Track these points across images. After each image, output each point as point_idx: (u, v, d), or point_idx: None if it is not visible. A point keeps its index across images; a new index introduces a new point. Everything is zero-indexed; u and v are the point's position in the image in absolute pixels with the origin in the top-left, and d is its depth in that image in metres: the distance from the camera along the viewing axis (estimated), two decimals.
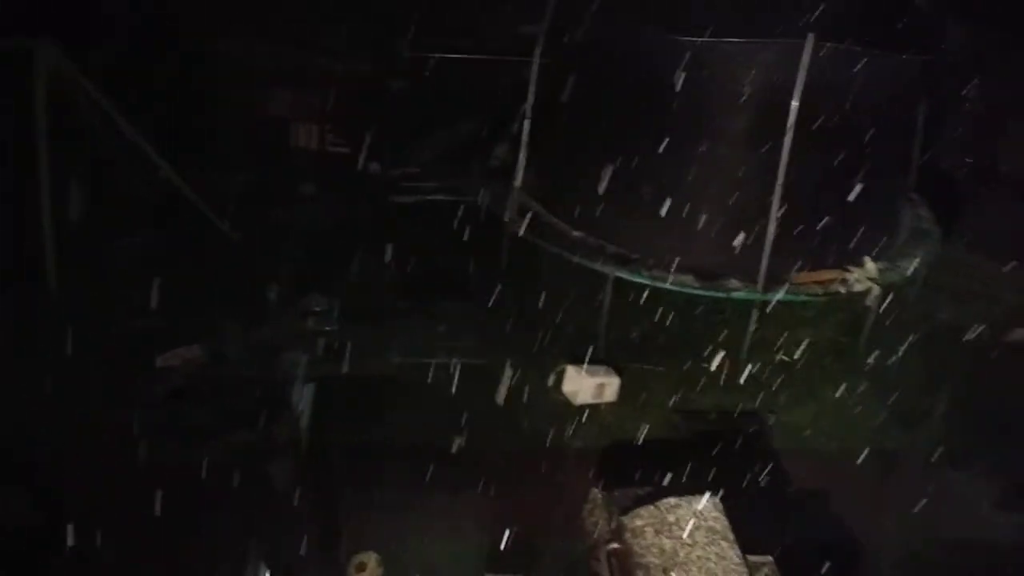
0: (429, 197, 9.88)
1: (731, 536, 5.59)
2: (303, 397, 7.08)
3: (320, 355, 7.73)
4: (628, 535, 5.69)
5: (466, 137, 10.25)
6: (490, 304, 8.30)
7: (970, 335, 8.60)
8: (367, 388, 7.42)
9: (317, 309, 7.95)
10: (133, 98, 8.50)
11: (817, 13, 8.11)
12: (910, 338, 8.56)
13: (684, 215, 8.15)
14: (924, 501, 6.91)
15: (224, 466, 6.12)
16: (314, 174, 10.11)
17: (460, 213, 8.79)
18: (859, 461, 7.17)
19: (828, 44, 7.46)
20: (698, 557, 5.41)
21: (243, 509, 6.02)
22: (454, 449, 6.70)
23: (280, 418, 6.81)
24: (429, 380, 7.60)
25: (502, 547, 6.24)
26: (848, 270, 8.37)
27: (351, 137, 10.31)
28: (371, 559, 6.19)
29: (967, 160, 10.90)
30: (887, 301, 8.38)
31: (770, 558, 5.69)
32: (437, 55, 10.38)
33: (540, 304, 8.20)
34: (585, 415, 7.69)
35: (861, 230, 8.48)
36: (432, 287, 8.46)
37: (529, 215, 8.80)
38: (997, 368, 8.31)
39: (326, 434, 6.95)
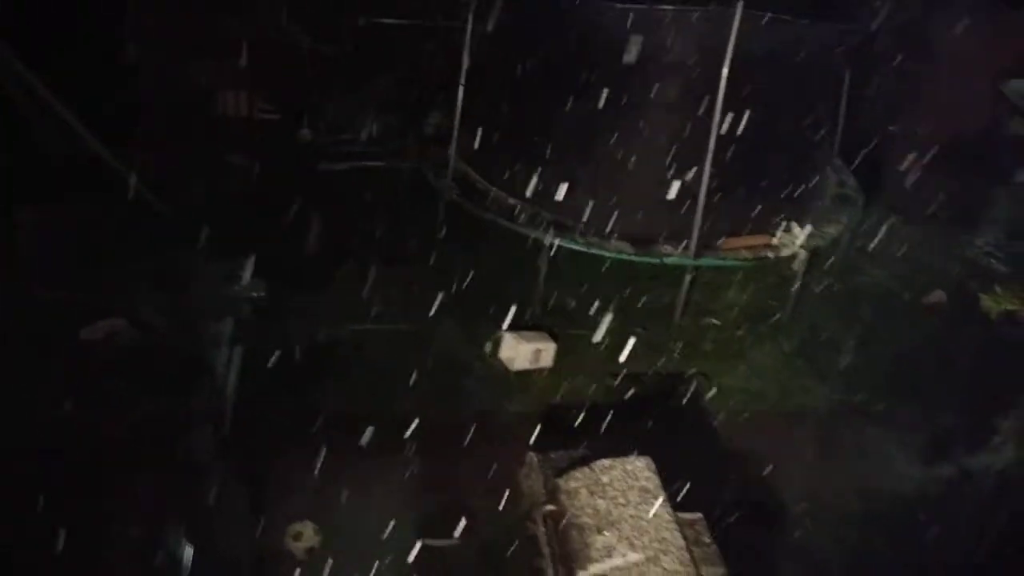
0: (362, 164, 9.73)
1: (663, 495, 5.72)
2: (229, 363, 6.93)
3: (247, 320, 7.56)
4: (563, 496, 5.78)
5: (396, 101, 10.09)
6: (425, 271, 8.26)
7: (891, 297, 8.93)
8: (297, 355, 7.28)
9: (244, 274, 7.76)
10: (56, 69, 8.16)
11: None
12: (835, 300, 8.85)
13: (617, 182, 8.24)
14: (846, 457, 7.20)
15: (144, 435, 6.00)
16: (243, 143, 9.86)
17: (394, 180, 8.69)
18: (786, 420, 7.41)
19: (757, 12, 7.55)
20: (631, 516, 5.53)
21: (165, 478, 5.91)
22: (389, 416, 6.68)
23: (202, 384, 6.65)
24: (362, 347, 7.55)
25: (438, 512, 6.29)
26: (776, 235, 8.56)
27: (281, 105, 10.08)
28: (307, 528, 6.18)
29: (889, 127, 11.18)
30: (813, 265, 8.60)
31: (700, 515, 5.85)
32: (369, 20, 10.18)
33: (476, 271, 8.19)
34: (521, 381, 7.75)
35: (788, 196, 8.68)
36: (366, 254, 8.33)
37: (464, 182, 8.75)
38: (916, 329, 8.64)
39: (255, 401, 6.82)
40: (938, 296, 9.02)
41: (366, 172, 9.71)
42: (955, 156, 10.45)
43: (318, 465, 6.40)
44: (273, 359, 7.13)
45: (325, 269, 8.24)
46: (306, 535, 6.13)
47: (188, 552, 5.46)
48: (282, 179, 9.28)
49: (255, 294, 7.62)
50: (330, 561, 6.02)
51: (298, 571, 5.95)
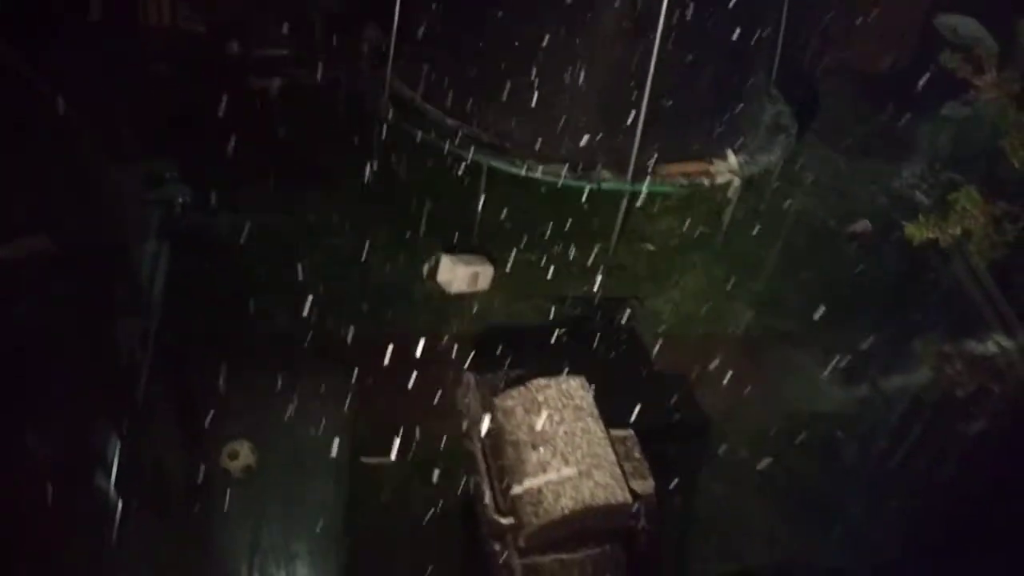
0: (294, 79, 9.38)
1: (596, 413, 5.87)
2: (155, 266, 6.70)
3: (173, 227, 7.31)
4: (500, 415, 5.88)
5: (330, 15, 9.69)
6: (360, 190, 8.11)
7: (819, 226, 9.18)
8: (227, 268, 7.13)
9: (168, 178, 7.44)
10: None
11: None
12: (765, 228, 9.05)
13: (556, 107, 8.15)
14: (771, 377, 7.47)
15: (68, 329, 5.82)
16: (168, 53, 9.39)
17: (327, 97, 8.44)
18: (715, 342, 7.63)
19: None
20: (565, 433, 5.67)
21: (91, 375, 5.80)
22: (324, 335, 6.65)
23: (125, 279, 6.40)
24: (295, 263, 7.40)
25: (375, 431, 6.33)
26: (711, 162, 8.64)
27: (207, 16, 9.59)
28: (243, 447, 6.17)
29: (824, 59, 11.32)
30: (746, 193, 8.75)
31: (631, 432, 6.02)
32: None
33: (412, 192, 8.09)
34: (459, 303, 7.77)
35: (724, 124, 8.74)
36: (298, 171, 8.10)
37: (400, 101, 8.54)
38: (842, 256, 8.93)
39: (184, 315, 6.70)
40: (863, 225, 9.30)
41: (298, 88, 9.38)
42: (887, 88, 10.68)
43: (253, 383, 6.36)
44: (202, 270, 6.95)
45: (256, 184, 7.94)
46: (242, 454, 6.13)
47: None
48: (209, 92, 8.88)
49: (180, 199, 7.34)
50: (266, 478, 6.06)
51: (233, 490, 5.96)
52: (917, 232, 7.40)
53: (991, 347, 6.87)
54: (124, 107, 7.96)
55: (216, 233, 7.22)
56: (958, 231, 7.19)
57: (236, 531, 5.77)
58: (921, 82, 9.81)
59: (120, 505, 5.43)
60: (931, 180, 8.99)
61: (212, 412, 6.12)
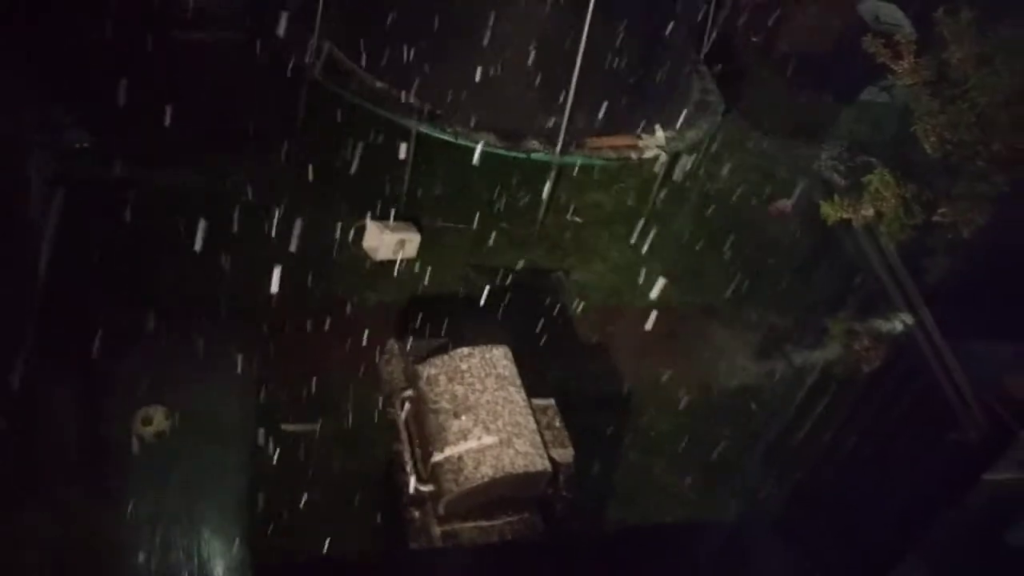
0: (219, 35, 9.06)
1: (519, 382, 5.92)
2: (46, 214, 6.33)
3: (69, 176, 6.87)
4: (422, 383, 5.88)
5: None
6: (285, 151, 7.92)
7: (741, 203, 9.39)
8: (133, 226, 6.80)
9: (65, 120, 6.99)
10: None
11: None
12: (690, 204, 9.22)
13: (488, 74, 8.09)
14: (690, 351, 7.66)
15: None
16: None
17: (252, 54, 8.17)
18: (638, 315, 7.75)
19: None
20: (487, 401, 5.71)
21: None
22: (245, 299, 6.52)
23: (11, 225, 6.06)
24: (215, 222, 7.15)
25: (297, 398, 6.26)
26: (640, 137, 8.73)
27: None
28: (158, 412, 6.03)
29: (753, 39, 11.51)
30: (672, 168, 8.88)
31: (552, 401, 6.11)
32: None
33: (339, 156, 7.94)
34: (384, 270, 7.71)
35: (653, 100, 8.84)
36: (219, 128, 7.83)
37: (329, 61, 8.35)
38: (762, 233, 9.16)
39: (85, 276, 6.40)
40: (783, 204, 9.56)
41: (223, 44, 9.06)
42: (810, 71, 10.93)
43: (166, 347, 6.19)
44: (105, 224, 6.65)
45: (170, 138, 7.45)
46: (156, 420, 5.99)
47: None
48: (129, 41, 8.49)
49: (77, 144, 6.93)
50: (181, 445, 5.94)
51: (146, 456, 5.83)
52: (832, 212, 7.64)
53: (896, 325, 7.17)
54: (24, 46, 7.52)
55: (121, 186, 6.84)
56: (871, 212, 7.44)
57: (147, 496, 5.64)
58: (844, 66, 10.09)
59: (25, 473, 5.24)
60: (848, 162, 9.26)
61: (121, 376, 5.95)
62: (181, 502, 5.71)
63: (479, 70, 8.06)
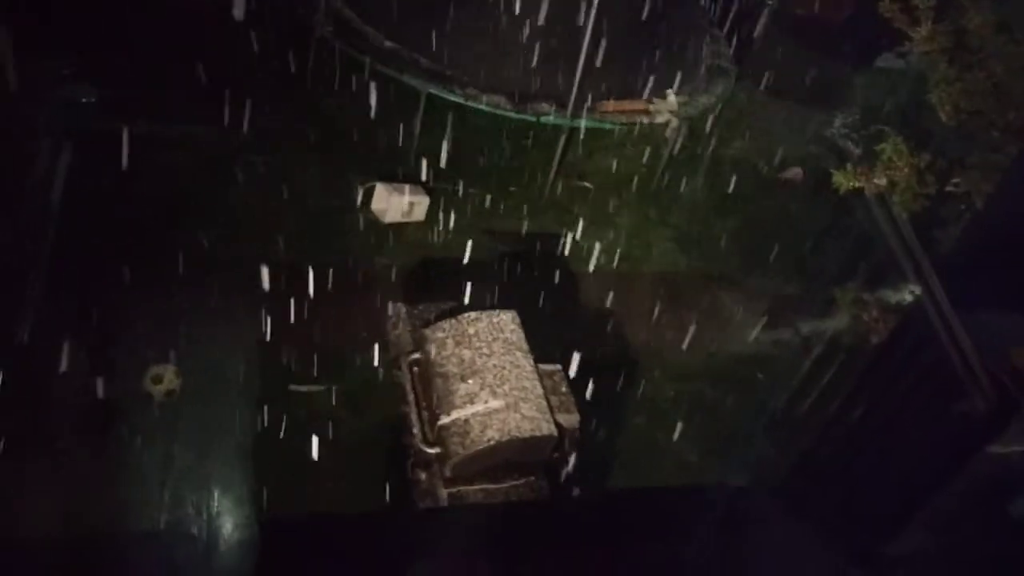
0: None
1: (526, 347, 5.94)
2: (52, 177, 6.29)
3: (77, 130, 6.79)
4: (430, 346, 5.90)
5: None
6: (293, 110, 7.85)
7: (752, 170, 9.31)
8: (143, 180, 6.76)
9: (67, 73, 6.87)
10: None
11: None
12: (700, 170, 9.15)
13: (499, 36, 8.00)
14: (697, 318, 7.65)
15: None
16: None
17: (260, 9, 8.06)
18: (646, 282, 7.76)
19: None
20: (494, 366, 5.73)
21: None
22: (253, 258, 6.49)
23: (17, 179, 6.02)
24: (223, 181, 7.14)
25: (304, 359, 6.29)
26: (651, 101, 8.63)
27: None
28: (168, 371, 6.06)
29: (767, 2, 11.31)
30: (683, 133, 8.80)
31: (559, 367, 6.12)
32: None
33: (348, 116, 7.89)
34: (393, 233, 7.69)
35: (666, 63, 8.72)
36: (227, 85, 7.75)
37: (339, 19, 8.25)
38: (773, 201, 9.10)
39: (92, 232, 6.35)
40: (795, 172, 9.47)
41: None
42: (825, 35, 10.76)
43: (175, 306, 6.21)
44: (112, 180, 6.60)
45: (177, 93, 7.46)
46: (167, 378, 6.02)
47: None
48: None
49: (84, 99, 6.85)
50: (190, 404, 5.98)
51: (155, 414, 5.88)
52: (844, 180, 7.58)
53: (906, 296, 7.15)
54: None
55: (128, 139, 6.70)
56: (883, 181, 7.38)
57: (156, 454, 5.71)
58: (861, 32, 9.92)
59: (18, 419, 5.27)
60: (863, 130, 9.17)
61: (132, 334, 5.98)
62: (190, 459, 5.77)
63: (490, 31, 7.97)
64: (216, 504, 5.64)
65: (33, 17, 6.95)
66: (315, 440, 5.82)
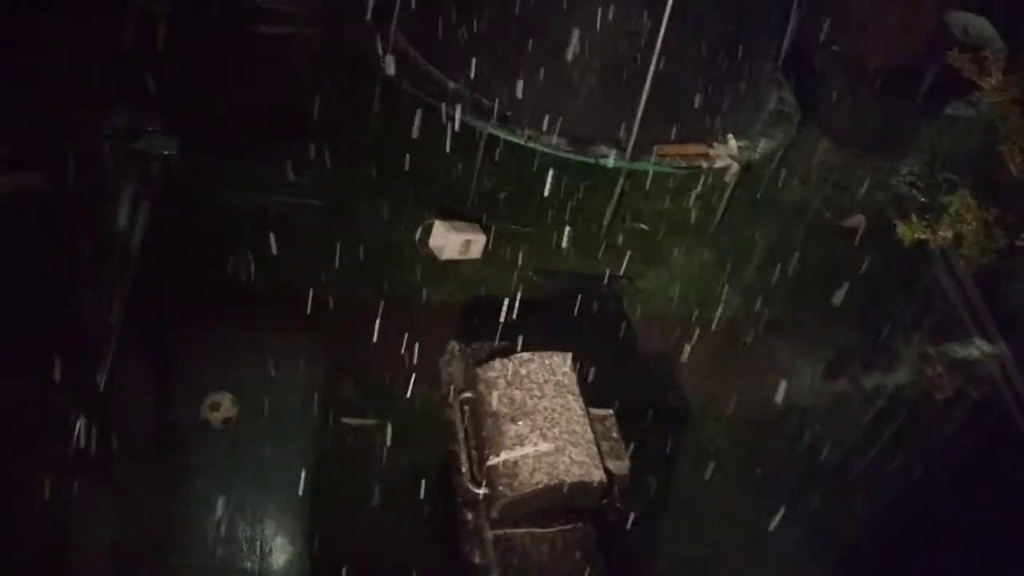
0: (299, 30, 9.23)
1: (577, 390, 5.90)
2: (133, 222, 6.62)
3: (155, 179, 7.20)
4: (481, 385, 5.90)
5: None
6: (358, 148, 8.03)
7: (814, 217, 9.18)
8: (212, 221, 7.03)
9: (151, 130, 7.25)
10: None
11: None
12: (760, 215, 9.05)
13: (560, 78, 8.09)
14: (753, 365, 7.52)
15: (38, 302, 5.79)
16: None
17: (330, 50, 8.31)
18: (701, 326, 7.66)
19: None
20: (545, 408, 5.70)
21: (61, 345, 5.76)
22: (312, 293, 6.63)
23: (99, 234, 6.33)
24: (285, 219, 7.32)
25: (356, 393, 6.36)
26: (711, 146, 8.61)
27: None
28: (225, 399, 6.19)
29: (834, 48, 11.21)
30: (744, 178, 8.73)
31: (611, 412, 6.06)
32: None
33: (411, 155, 8.03)
34: (449, 270, 7.77)
35: (727, 107, 8.70)
36: (294, 123, 7.99)
37: (404, 60, 8.45)
38: (834, 249, 8.94)
39: (165, 266, 6.62)
40: (858, 220, 9.30)
41: (301, 38, 9.24)
42: (892, 82, 10.61)
43: (239, 338, 6.36)
44: (184, 223, 6.84)
45: (247, 134, 7.76)
46: (224, 406, 6.15)
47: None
48: (207, 34, 8.70)
49: (165, 152, 7.17)
50: (246, 432, 6.09)
51: (212, 441, 6.00)
52: (909, 232, 7.43)
53: (972, 352, 6.93)
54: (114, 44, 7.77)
55: (199, 184, 7.09)
56: (949, 235, 7.22)
57: (213, 482, 5.82)
58: (928, 79, 9.77)
59: (94, 453, 5.44)
60: (929, 179, 9.00)
61: (194, 365, 6.13)
62: (241, 487, 5.86)
63: (552, 74, 8.07)
64: (268, 538, 5.71)
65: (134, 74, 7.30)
66: (363, 474, 5.87)
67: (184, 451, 5.87)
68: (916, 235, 7.37)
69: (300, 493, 5.86)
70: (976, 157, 8.59)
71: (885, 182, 9.48)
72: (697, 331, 7.71)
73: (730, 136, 8.72)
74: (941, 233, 7.23)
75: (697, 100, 8.43)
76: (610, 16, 7.91)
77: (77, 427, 5.37)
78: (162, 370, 6.08)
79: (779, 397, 7.41)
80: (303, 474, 5.97)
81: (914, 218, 7.46)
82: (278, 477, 5.94)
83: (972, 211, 7.08)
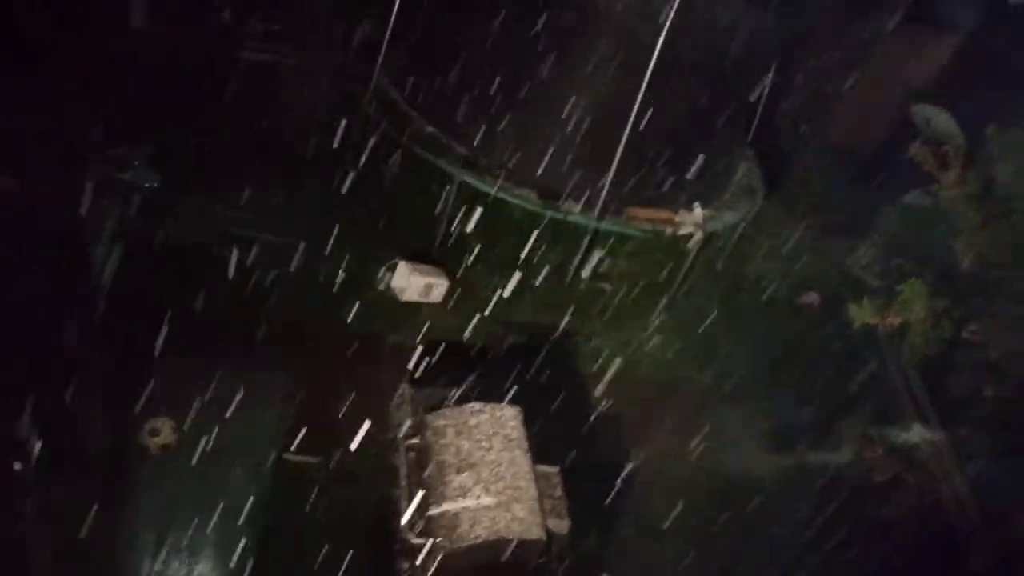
0: (283, 60, 9.26)
1: (525, 445, 5.92)
2: (108, 256, 6.64)
3: (134, 210, 7.22)
4: (430, 433, 5.89)
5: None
6: (329, 185, 8.04)
7: (770, 291, 9.35)
8: (184, 255, 7.02)
9: (136, 163, 7.33)
10: None
11: None
12: (719, 285, 9.20)
13: (537, 132, 8.22)
14: (702, 434, 7.58)
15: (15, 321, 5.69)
16: (156, 9, 9.17)
17: (313, 83, 8.34)
18: (653, 391, 7.72)
19: None
20: (492, 461, 5.70)
21: (27, 361, 5.67)
22: (267, 327, 6.59)
23: (77, 273, 6.33)
24: (250, 252, 7.30)
25: (302, 429, 6.28)
26: (678, 212, 8.77)
27: None
28: (165, 425, 6.09)
29: (802, 127, 11.54)
30: (706, 247, 8.88)
31: (557, 469, 6.09)
32: None
33: (381, 194, 8.06)
34: (409, 312, 7.76)
35: (696, 177, 8.87)
36: (271, 157, 7.99)
37: (384, 100, 8.52)
38: (787, 325, 9.10)
39: (132, 295, 6.58)
40: (812, 298, 9.50)
41: (285, 69, 9.27)
42: (855, 166, 10.95)
43: (189, 368, 6.27)
44: (156, 254, 6.84)
45: (226, 167, 7.81)
46: (164, 432, 6.05)
47: None
48: (196, 61, 8.71)
49: (147, 184, 7.24)
50: (183, 460, 5.97)
51: (148, 467, 5.88)
52: (860, 315, 7.61)
53: (912, 438, 7.08)
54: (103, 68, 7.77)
55: (176, 218, 7.16)
56: (898, 320, 7.41)
57: (145, 509, 5.69)
58: (890, 167, 10.06)
59: (35, 476, 5.32)
60: (882, 264, 9.23)
61: (142, 391, 6.02)
62: (174, 516, 5.74)
63: (529, 127, 8.19)
64: (197, 568, 5.58)
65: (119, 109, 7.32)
66: (301, 512, 5.78)
67: (118, 475, 5.73)
68: (866, 318, 7.55)
69: (233, 525, 5.76)
70: (931, 247, 8.83)
71: (842, 263, 9.70)
72: (649, 394, 7.78)
73: (696, 205, 8.89)
74: (890, 320, 7.42)
75: (668, 167, 8.61)
76: (591, 78, 8.09)
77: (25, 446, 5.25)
78: (111, 394, 5.96)
79: (722, 466, 7.49)
80: (238, 506, 5.87)
81: (866, 301, 7.65)
82: (210, 508, 5.82)
83: (922, 300, 7.29)
